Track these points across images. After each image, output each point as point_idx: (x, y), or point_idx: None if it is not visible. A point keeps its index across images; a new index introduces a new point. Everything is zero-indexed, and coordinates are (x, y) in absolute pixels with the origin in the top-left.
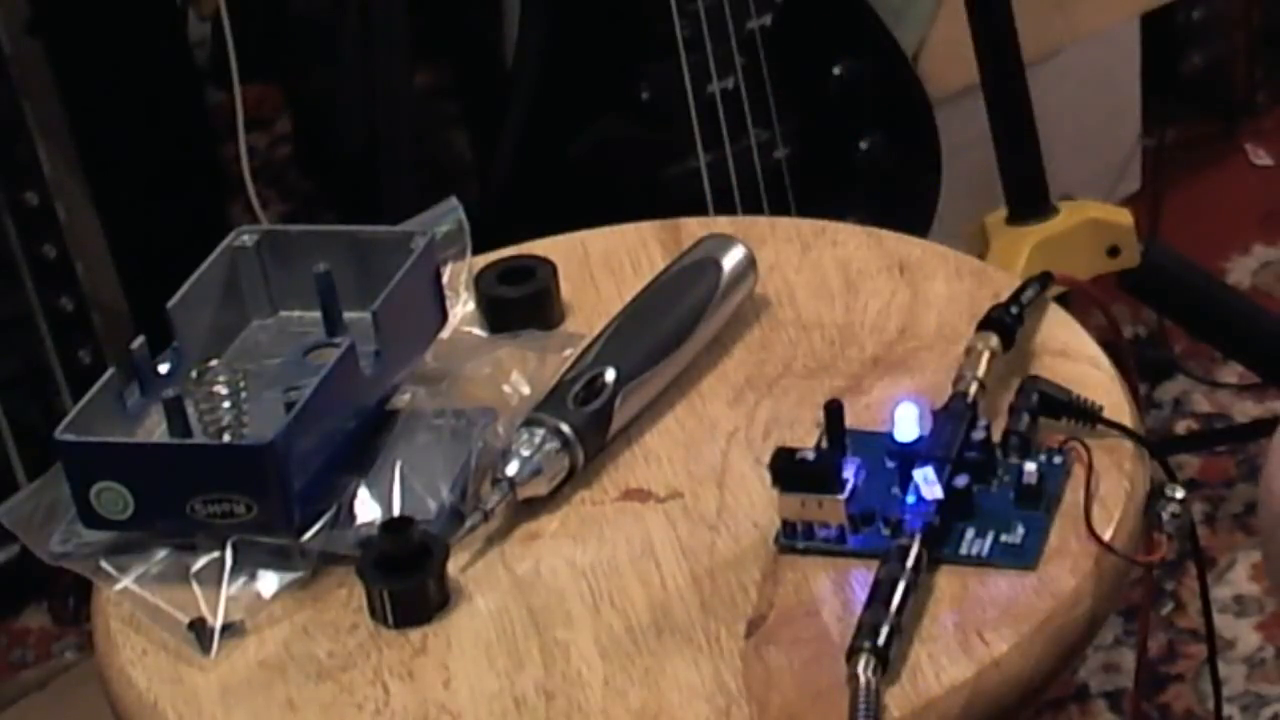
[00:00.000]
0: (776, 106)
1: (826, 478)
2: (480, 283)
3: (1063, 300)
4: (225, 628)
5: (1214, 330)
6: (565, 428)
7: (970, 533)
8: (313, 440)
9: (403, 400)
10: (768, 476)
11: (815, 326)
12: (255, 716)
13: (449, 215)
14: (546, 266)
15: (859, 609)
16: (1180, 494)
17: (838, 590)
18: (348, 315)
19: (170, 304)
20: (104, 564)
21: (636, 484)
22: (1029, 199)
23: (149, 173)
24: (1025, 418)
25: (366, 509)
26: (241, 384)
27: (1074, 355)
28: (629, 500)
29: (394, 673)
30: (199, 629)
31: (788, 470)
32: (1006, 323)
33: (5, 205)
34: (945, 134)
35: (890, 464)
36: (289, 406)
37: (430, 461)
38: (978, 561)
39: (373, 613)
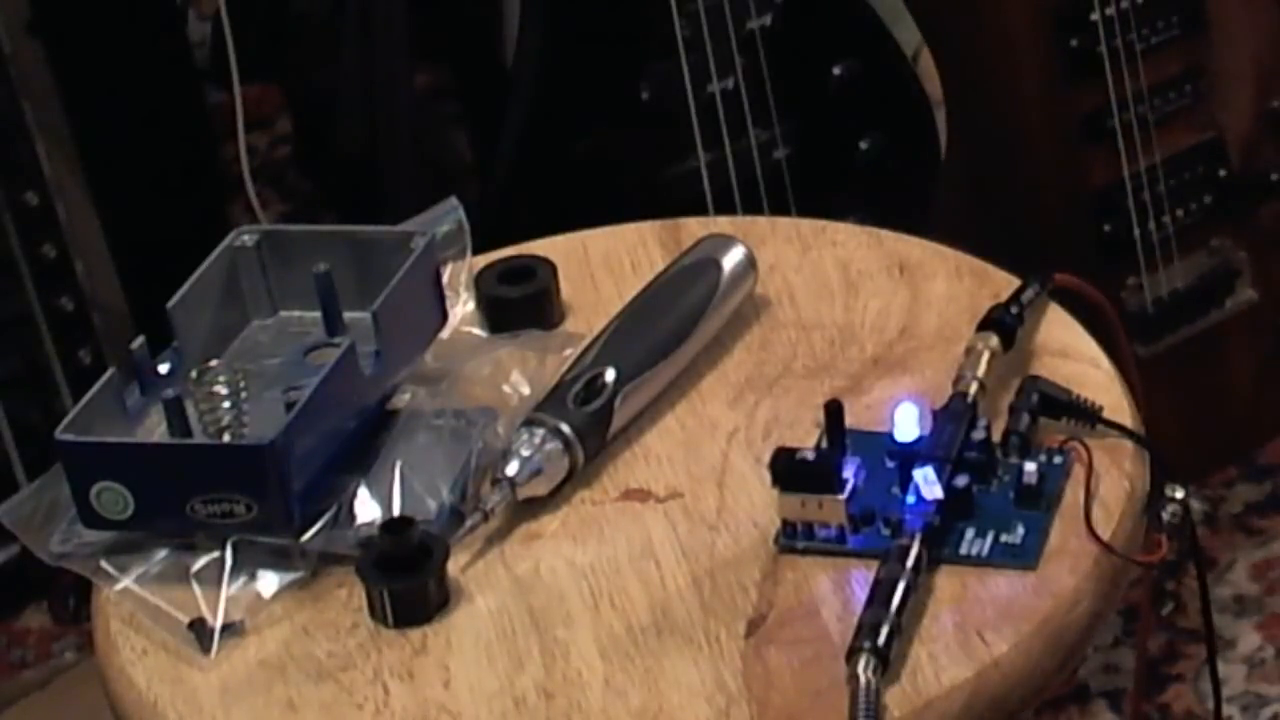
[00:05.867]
0: (776, 106)
1: (826, 478)
2: (480, 283)
3: (1063, 300)
4: (225, 628)
5: None
6: (565, 428)
7: (970, 533)
8: (313, 440)
9: (403, 400)
10: (768, 476)
11: (815, 326)
12: (255, 716)
13: (449, 215)
14: (546, 266)
15: (859, 609)
16: (1180, 494)
17: (838, 590)
18: (348, 315)
19: (170, 304)
20: (104, 564)
21: (636, 484)
22: None
23: (149, 173)
24: (1025, 418)
25: (366, 509)
26: (241, 384)
27: (1074, 355)
28: (629, 500)
29: (394, 673)
30: (199, 629)
31: (788, 470)
32: (1006, 323)
33: (5, 205)
34: (945, 134)
35: (890, 464)
36: (289, 406)
37: (430, 461)
38: (978, 561)
39: (373, 613)
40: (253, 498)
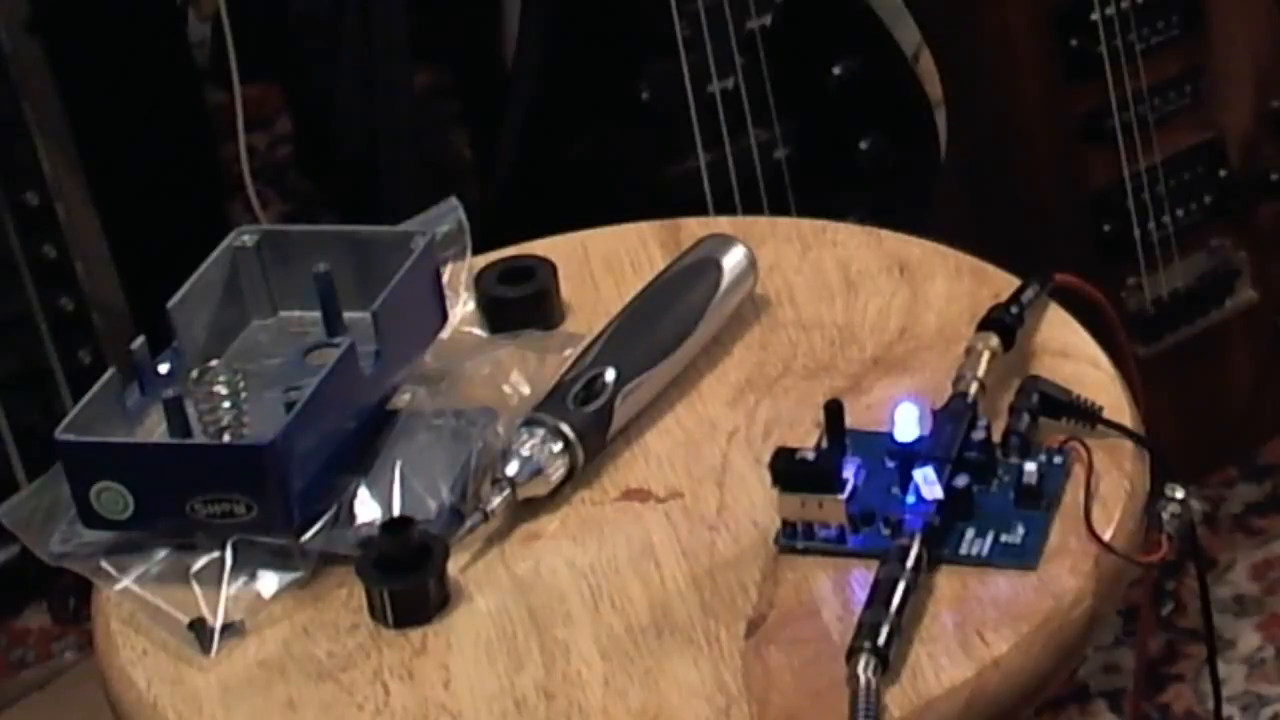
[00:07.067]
0: (776, 106)
1: (826, 478)
2: (480, 283)
3: (1063, 300)
4: (225, 628)
5: None
6: (565, 428)
7: (970, 533)
8: (313, 440)
9: (403, 400)
10: (768, 476)
11: (815, 326)
12: (255, 716)
13: (449, 215)
14: (546, 266)
15: (859, 609)
16: (1180, 494)
17: (838, 590)
18: (348, 315)
19: (170, 304)
20: (104, 564)
21: (636, 484)
22: None
23: (149, 173)
24: (1025, 418)
25: (366, 509)
26: (241, 384)
27: (1074, 355)
28: (629, 500)
29: (394, 673)
30: (199, 629)
31: (788, 470)
32: (1006, 323)
33: (5, 205)
34: (945, 134)
35: (890, 464)
36: (289, 406)
37: (430, 461)
38: (978, 561)
39: (373, 613)
40: (253, 498)
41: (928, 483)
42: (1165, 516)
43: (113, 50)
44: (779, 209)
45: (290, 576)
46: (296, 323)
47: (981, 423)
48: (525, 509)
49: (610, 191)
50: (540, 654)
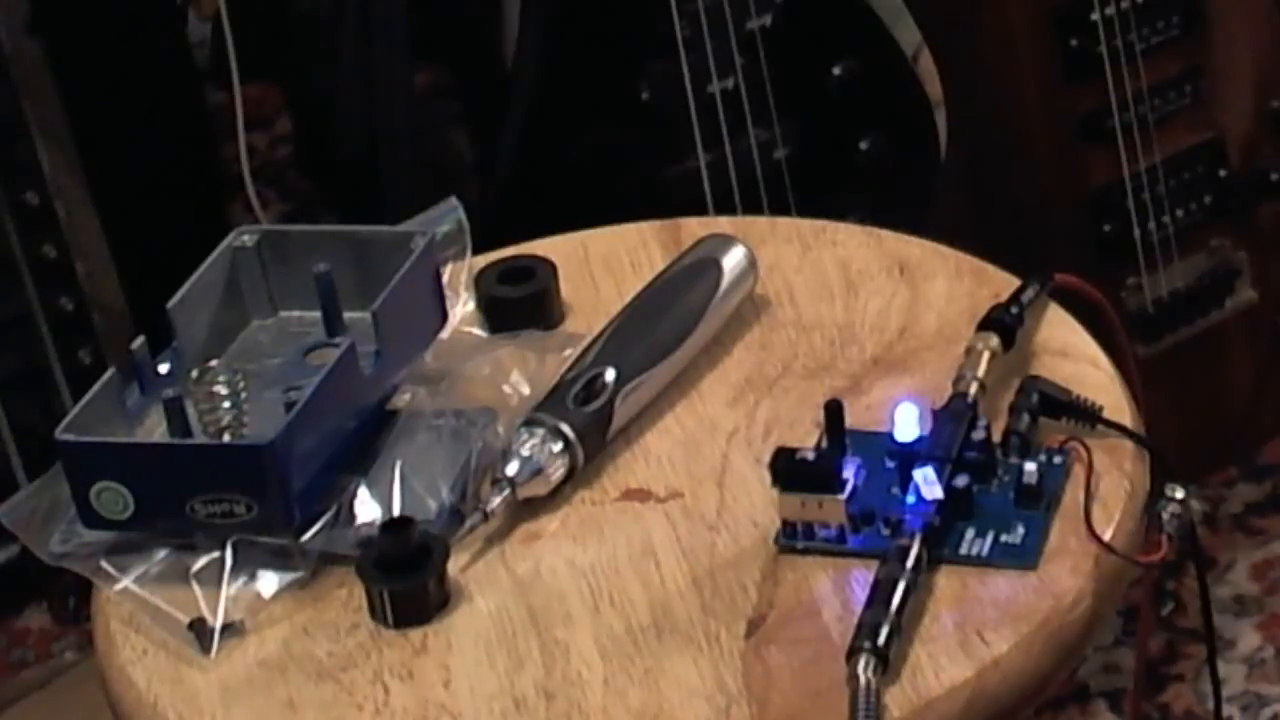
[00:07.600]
0: (776, 106)
1: (826, 478)
2: (480, 283)
3: (1063, 300)
4: (225, 628)
5: None
6: (565, 428)
7: (970, 533)
8: (313, 440)
9: (403, 400)
10: (768, 476)
11: (815, 326)
12: (255, 716)
13: (449, 215)
14: (546, 266)
15: (859, 609)
16: (1180, 494)
17: (838, 590)
18: (348, 315)
19: (170, 304)
20: (104, 564)
21: (636, 484)
22: None
23: (149, 173)
24: (1025, 418)
25: (366, 509)
26: (241, 384)
27: (1074, 355)
28: (629, 500)
29: (394, 673)
30: (199, 629)
31: (788, 470)
32: (1006, 323)
33: (5, 205)
34: (945, 134)
35: (890, 464)
36: (289, 406)
37: (430, 461)
38: (978, 561)
39: (373, 613)
40: (253, 498)
41: (928, 483)
42: (1165, 516)
43: (113, 50)
44: (779, 209)
45: (290, 576)
46: (296, 323)
47: (981, 423)
48: (525, 509)
49: (610, 191)
50: (540, 654)
